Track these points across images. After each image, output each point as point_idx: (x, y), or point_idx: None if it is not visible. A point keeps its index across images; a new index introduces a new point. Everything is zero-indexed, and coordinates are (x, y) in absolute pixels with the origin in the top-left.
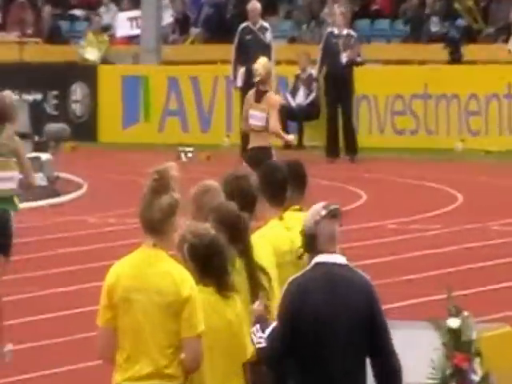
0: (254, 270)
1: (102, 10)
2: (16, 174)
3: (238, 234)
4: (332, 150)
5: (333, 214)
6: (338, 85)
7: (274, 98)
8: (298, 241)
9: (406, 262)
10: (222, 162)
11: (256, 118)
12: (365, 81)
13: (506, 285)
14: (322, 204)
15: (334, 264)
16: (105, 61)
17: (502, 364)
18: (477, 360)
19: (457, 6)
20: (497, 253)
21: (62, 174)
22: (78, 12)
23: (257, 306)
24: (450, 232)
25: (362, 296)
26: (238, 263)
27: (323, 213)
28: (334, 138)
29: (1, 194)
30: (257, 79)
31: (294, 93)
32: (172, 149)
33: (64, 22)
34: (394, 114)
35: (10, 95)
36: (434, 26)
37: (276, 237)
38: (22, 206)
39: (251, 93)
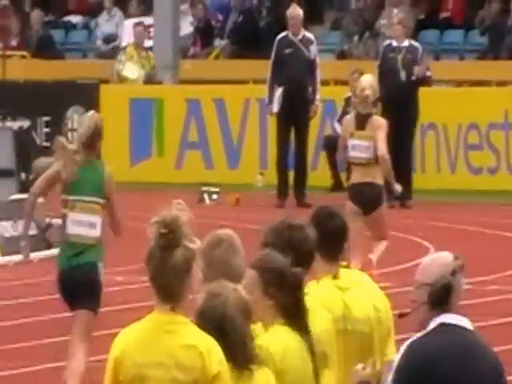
0: (311, 346)
1: (103, 16)
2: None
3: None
4: (391, 191)
5: (463, 268)
6: (398, 110)
7: (382, 121)
8: (354, 305)
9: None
10: (254, 206)
11: (360, 148)
12: (432, 106)
13: None
14: (447, 253)
15: (464, 329)
16: (149, 80)
17: None
18: None
19: None
20: None
21: (55, 221)
22: (74, 18)
23: (360, 367)
24: None
25: (493, 370)
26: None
27: (458, 263)
28: (395, 176)
29: (87, 241)
30: (359, 100)
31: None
32: (193, 189)
33: (57, 30)
34: (468, 147)
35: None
36: None
37: (328, 300)
38: (6, 259)
39: (350, 118)
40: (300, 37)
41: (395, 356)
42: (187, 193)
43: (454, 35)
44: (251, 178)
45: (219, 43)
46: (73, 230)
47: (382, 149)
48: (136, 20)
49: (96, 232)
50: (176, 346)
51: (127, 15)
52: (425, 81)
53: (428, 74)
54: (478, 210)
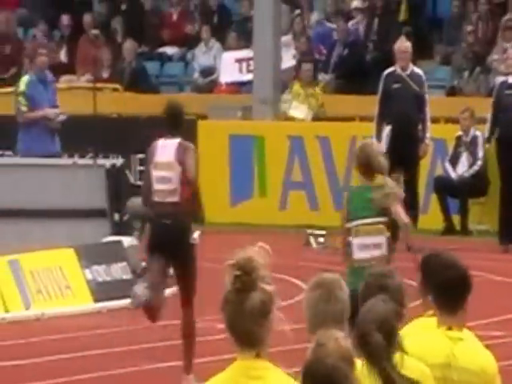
0: None
1: (201, 47)
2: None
3: None
4: (507, 236)
5: None
6: None
7: None
8: (465, 355)
9: None
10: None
11: None
12: None
13: None
14: None
15: None
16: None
17: None
18: None
19: None
20: None
21: None
22: (169, 50)
23: None
24: None
25: None
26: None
27: None
28: (509, 219)
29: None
30: None
31: (454, 161)
32: (298, 232)
33: (151, 62)
34: None
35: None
36: None
37: (432, 345)
38: (100, 305)
39: None
40: (408, 72)
41: None
42: (291, 235)
43: None
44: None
45: (323, 77)
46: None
47: None
48: (235, 53)
49: None
50: None
51: (226, 47)
52: None
53: None
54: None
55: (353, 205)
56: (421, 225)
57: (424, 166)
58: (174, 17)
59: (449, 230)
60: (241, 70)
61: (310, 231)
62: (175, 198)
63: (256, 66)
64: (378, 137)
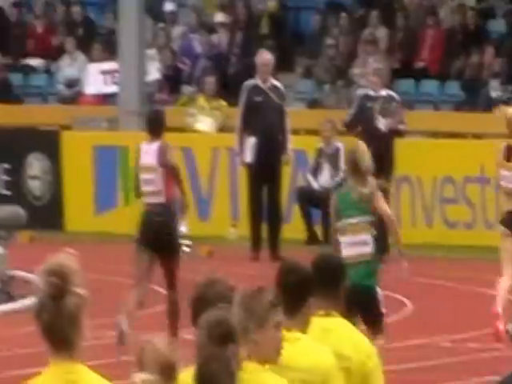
0: None
1: (65, 59)
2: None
3: None
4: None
5: None
6: (374, 160)
7: None
8: (297, 354)
9: None
10: (227, 258)
11: (509, 179)
12: (407, 157)
13: None
14: None
15: None
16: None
17: None
18: None
19: None
20: None
21: (18, 273)
22: (34, 62)
23: None
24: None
25: None
26: None
27: None
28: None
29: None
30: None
31: (316, 172)
32: None
33: (16, 74)
34: (444, 201)
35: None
36: (494, 90)
37: None
38: None
39: (501, 149)
40: (269, 84)
41: None
42: None
43: (430, 85)
44: (223, 230)
45: (187, 90)
46: None
47: None
48: (100, 65)
49: None
50: None
51: (90, 59)
52: (397, 133)
53: (401, 127)
54: (454, 265)
55: (340, 205)
56: (284, 234)
57: (286, 176)
58: (39, 29)
59: (312, 239)
60: (106, 82)
61: None
62: (161, 199)
63: (121, 78)
64: (241, 148)
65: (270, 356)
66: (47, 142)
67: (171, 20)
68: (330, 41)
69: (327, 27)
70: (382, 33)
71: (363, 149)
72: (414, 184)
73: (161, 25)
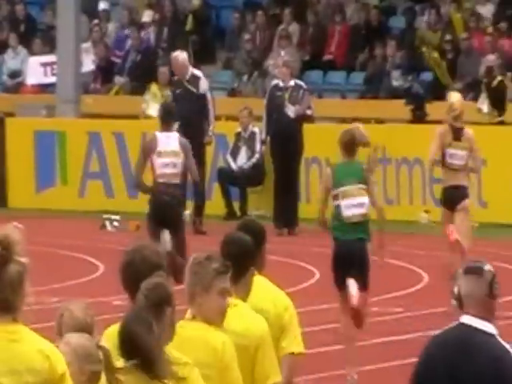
0: None
1: (9, 53)
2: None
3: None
4: (281, 220)
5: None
6: (285, 144)
7: (472, 134)
8: (235, 322)
9: (362, 351)
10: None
11: (456, 157)
12: (315, 141)
13: None
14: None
15: (476, 329)
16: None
17: None
18: None
19: (424, 50)
20: None
21: None
22: None
23: None
24: (412, 316)
25: (489, 370)
26: None
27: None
28: (282, 205)
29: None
30: (454, 115)
31: (234, 154)
32: (95, 217)
33: None
34: None
35: None
36: (395, 80)
37: None
38: None
39: (444, 130)
40: (188, 77)
41: (295, 348)
42: (90, 219)
43: (337, 76)
44: None
45: (119, 80)
46: None
47: (479, 163)
48: (40, 58)
49: None
50: (24, 352)
51: (32, 53)
52: (305, 118)
53: (308, 112)
54: None
55: (338, 175)
56: (206, 211)
57: (208, 158)
58: None
59: (230, 214)
60: (45, 73)
61: (106, 216)
62: (177, 180)
63: (59, 69)
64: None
65: (213, 319)
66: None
67: (105, 17)
68: (247, 36)
69: (245, 24)
70: (294, 29)
71: (361, 128)
72: (322, 164)
73: (95, 21)
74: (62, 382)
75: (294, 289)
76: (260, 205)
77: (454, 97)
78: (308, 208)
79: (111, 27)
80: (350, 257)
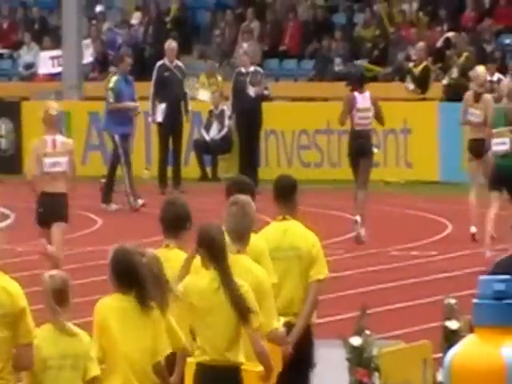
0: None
1: (24, 48)
2: None
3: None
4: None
5: None
6: (248, 119)
7: (490, 99)
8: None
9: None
10: (142, 192)
11: (475, 115)
12: (273, 116)
13: (402, 305)
14: None
15: None
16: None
17: (397, 377)
18: (376, 374)
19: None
20: (394, 276)
21: None
22: (1, 51)
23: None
24: (350, 257)
25: None
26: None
27: None
28: (246, 169)
29: None
30: (477, 83)
31: (207, 128)
32: (95, 181)
33: None
34: (300, 148)
35: None
36: (338, 65)
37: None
38: None
39: (469, 94)
40: (174, 64)
41: (320, 276)
42: (91, 183)
43: (291, 63)
44: (140, 172)
45: (113, 69)
46: None
47: (490, 121)
48: (50, 52)
49: None
50: None
51: (42, 48)
52: (264, 97)
53: (266, 92)
54: (307, 194)
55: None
56: (183, 174)
57: (186, 131)
58: (5, 25)
59: (204, 177)
60: (53, 65)
61: (103, 180)
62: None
63: (64, 61)
64: (154, 111)
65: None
66: (11, 110)
67: (101, 18)
68: (218, 31)
69: (216, 21)
70: (255, 25)
71: None
72: (278, 136)
73: (93, 22)
74: (22, 315)
75: None
76: (228, 169)
77: (480, 69)
78: (266, 170)
79: (106, 26)
80: None
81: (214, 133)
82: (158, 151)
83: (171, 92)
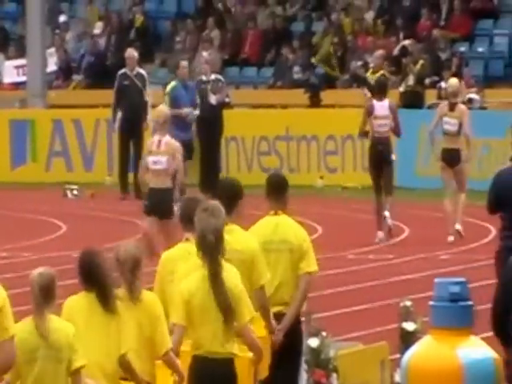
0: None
1: None
2: None
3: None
4: (205, 187)
5: None
6: (209, 126)
7: (465, 108)
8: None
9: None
10: (104, 198)
11: (450, 124)
12: (234, 123)
13: (360, 307)
14: None
15: None
16: None
17: (356, 378)
18: (334, 375)
19: (316, 58)
20: (351, 279)
21: None
22: None
23: None
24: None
25: None
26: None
27: None
28: (205, 176)
29: None
30: (452, 94)
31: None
32: (58, 187)
33: None
34: (260, 153)
35: None
36: (296, 73)
37: None
38: None
39: (443, 105)
40: (135, 72)
41: (311, 269)
42: (54, 190)
43: (250, 71)
44: (102, 178)
45: (76, 78)
46: None
47: (468, 130)
48: (14, 61)
49: None
50: None
51: (7, 58)
52: (224, 105)
53: (227, 100)
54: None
55: None
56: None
57: (147, 138)
58: None
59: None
60: (18, 74)
61: (67, 186)
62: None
63: (29, 70)
64: (114, 119)
65: None
66: None
67: (64, 28)
68: (179, 40)
69: (177, 30)
70: (215, 34)
71: None
72: (239, 142)
73: (57, 31)
74: (0, 314)
75: None
76: (190, 175)
77: (453, 80)
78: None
79: (69, 36)
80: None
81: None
82: (119, 158)
83: (130, 100)
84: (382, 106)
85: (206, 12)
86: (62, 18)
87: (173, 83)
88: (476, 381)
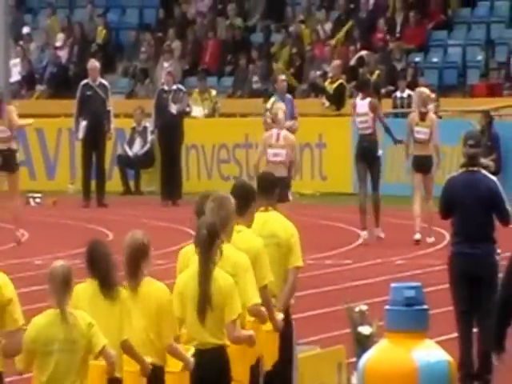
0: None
1: None
2: None
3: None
4: (166, 195)
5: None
6: (169, 134)
7: (435, 117)
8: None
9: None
10: (66, 205)
11: (421, 133)
12: (194, 131)
13: (317, 312)
14: None
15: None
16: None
17: (314, 380)
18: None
19: (274, 67)
20: (310, 284)
21: None
22: None
23: None
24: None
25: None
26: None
27: None
28: (166, 183)
29: None
30: (422, 103)
31: (130, 143)
32: (21, 195)
33: None
34: (220, 161)
35: None
36: (255, 83)
37: None
38: None
39: (414, 114)
40: (97, 83)
41: (298, 263)
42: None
43: (210, 81)
44: (64, 186)
45: (39, 88)
46: None
47: (436, 139)
48: None
49: None
50: None
51: None
52: (185, 114)
53: (187, 109)
54: None
55: None
56: (107, 188)
57: (109, 147)
58: None
59: (126, 191)
60: None
61: (29, 195)
62: None
63: None
64: (77, 128)
65: None
66: None
67: (28, 39)
68: (141, 50)
69: (139, 41)
70: (176, 44)
71: None
72: (199, 150)
73: (20, 42)
74: (9, 305)
75: (175, 248)
76: (150, 183)
77: (423, 89)
78: (187, 184)
79: (33, 47)
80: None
81: (136, 148)
82: (82, 166)
83: (93, 110)
84: (362, 105)
85: (167, 24)
86: (26, 30)
87: (272, 98)
88: (430, 383)
